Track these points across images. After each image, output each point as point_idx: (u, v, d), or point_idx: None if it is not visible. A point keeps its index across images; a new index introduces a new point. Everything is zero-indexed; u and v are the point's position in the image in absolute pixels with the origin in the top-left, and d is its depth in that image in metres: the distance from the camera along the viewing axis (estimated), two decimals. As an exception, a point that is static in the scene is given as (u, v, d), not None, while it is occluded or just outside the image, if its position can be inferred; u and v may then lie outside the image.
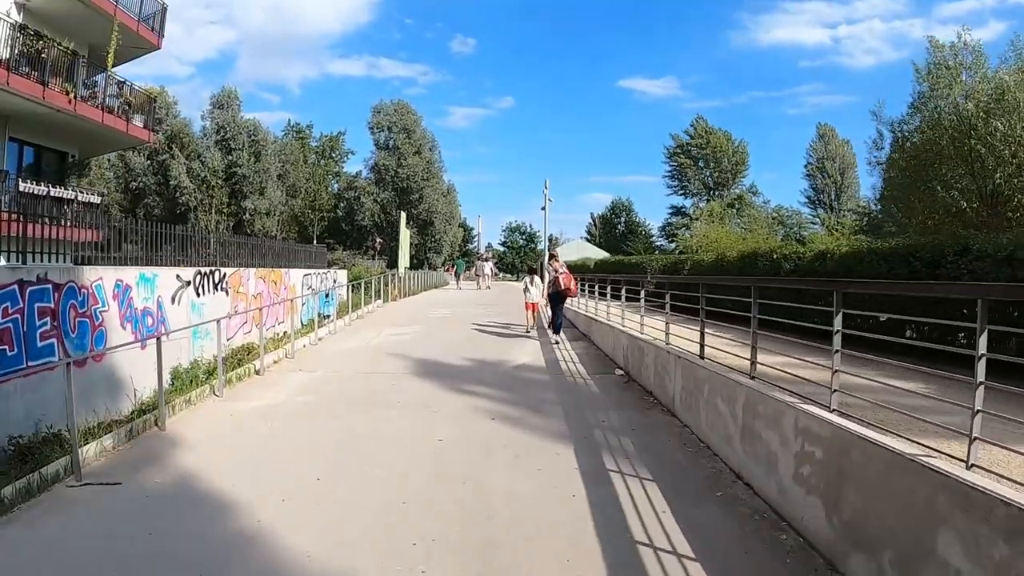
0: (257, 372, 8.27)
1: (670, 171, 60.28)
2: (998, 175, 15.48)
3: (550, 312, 12.91)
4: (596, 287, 12.58)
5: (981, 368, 2.71)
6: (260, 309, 9.13)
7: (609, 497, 4.34)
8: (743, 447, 4.79)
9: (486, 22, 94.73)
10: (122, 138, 19.32)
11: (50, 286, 6.36)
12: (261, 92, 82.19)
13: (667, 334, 7.56)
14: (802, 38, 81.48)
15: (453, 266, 36.78)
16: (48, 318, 6.34)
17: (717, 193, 57.20)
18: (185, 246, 9.26)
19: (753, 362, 5.28)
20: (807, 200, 58.35)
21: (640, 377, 7.93)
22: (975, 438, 2.75)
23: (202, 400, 6.92)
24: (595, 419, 6.39)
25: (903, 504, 2.87)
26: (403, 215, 24.31)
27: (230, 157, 34.64)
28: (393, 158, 37.40)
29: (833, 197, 57.61)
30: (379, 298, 18.24)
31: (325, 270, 16.41)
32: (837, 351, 4.12)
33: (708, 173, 58.09)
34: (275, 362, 9.01)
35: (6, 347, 5.90)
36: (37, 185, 14.50)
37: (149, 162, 36.72)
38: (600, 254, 47.00)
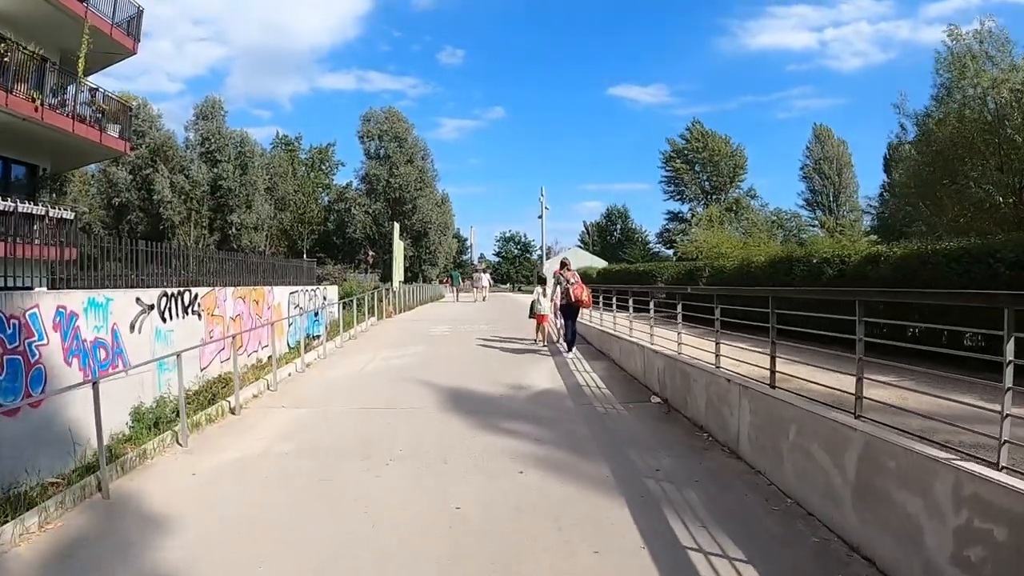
0: (232, 411, 7.00)
1: (666, 176, 59.65)
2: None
3: (560, 324, 11.89)
4: (613, 299, 11.39)
5: None
6: (233, 337, 7.85)
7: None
8: (861, 511, 3.61)
9: (474, 33, 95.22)
10: (96, 149, 18.17)
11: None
12: (253, 108, 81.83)
13: (718, 356, 6.41)
14: (789, 42, 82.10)
15: (449, 278, 35.65)
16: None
17: (715, 197, 56.47)
18: (148, 264, 7.99)
19: (859, 397, 4.12)
20: (805, 202, 57.79)
21: (685, 407, 6.74)
22: None
23: (162, 452, 5.65)
24: (645, 465, 5.21)
25: None
26: (397, 226, 23.12)
27: (215, 170, 33.36)
28: (384, 168, 36.21)
29: (831, 198, 57.09)
30: (373, 315, 16.99)
31: (314, 286, 15.15)
32: (1009, 388, 2.99)
33: (705, 177, 57.41)
34: (255, 396, 7.74)
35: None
36: (3, 200, 13.28)
37: (132, 177, 35.44)
38: (598, 262, 45.91)
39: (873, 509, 3.51)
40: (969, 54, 17.46)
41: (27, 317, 5.73)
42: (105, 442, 6.55)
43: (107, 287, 7.05)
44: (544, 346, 11.82)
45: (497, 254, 76.12)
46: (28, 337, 5.74)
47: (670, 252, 59.72)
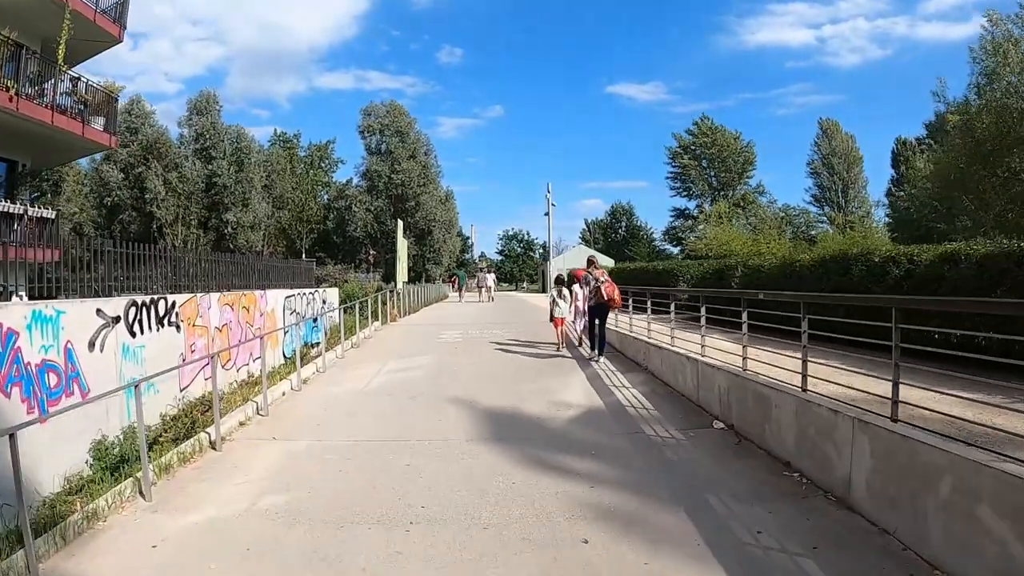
0: (213, 445, 5.78)
1: (673, 172, 58.34)
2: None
3: (580, 327, 11.33)
4: (647, 302, 10.16)
5: None
6: (212, 356, 6.56)
7: None
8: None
9: (473, 32, 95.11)
10: (78, 142, 17.00)
11: None
12: (251, 108, 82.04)
13: (805, 376, 5.21)
14: (787, 39, 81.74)
15: (455, 277, 34.52)
16: None
17: (722, 194, 55.19)
18: (117, 268, 6.75)
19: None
20: (812, 198, 56.56)
21: (762, 437, 5.54)
22: None
23: (118, 510, 4.43)
24: (737, 520, 4.05)
25: None
26: (400, 224, 21.87)
27: (210, 167, 32.09)
28: (386, 163, 34.86)
29: (840, 194, 55.86)
30: (376, 319, 15.78)
31: (312, 289, 13.91)
32: None
33: (713, 173, 56.12)
34: (241, 424, 6.52)
35: None
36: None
37: (125, 175, 34.18)
38: (603, 260, 44.64)
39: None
40: (1010, 39, 16.24)
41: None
42: (57, 488, 5.37)
43: (60, 297, 5.83)
44: (564, 349, 11.00)
45: (500, 252, 74.96)
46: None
47: (676, 250, 58.63)
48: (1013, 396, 4.30)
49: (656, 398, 7.59)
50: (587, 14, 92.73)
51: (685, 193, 58.35)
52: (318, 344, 10.84)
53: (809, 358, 5.26)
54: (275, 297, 11.25)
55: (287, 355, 10.76)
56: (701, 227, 47.99)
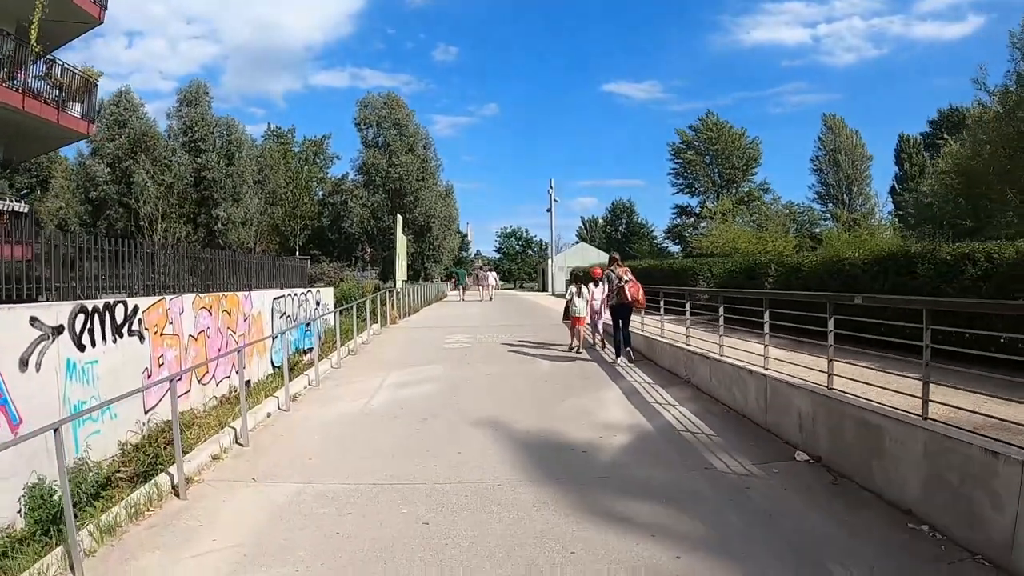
0: (175, 490, 4.56)
1: (675, 169, 57.30)
2: None
3: (600, 326, 10.82)
4: (712, 307, 8.98)
5: None
6: (173, 380, 5.29)
7: None
8: None
9: (468, 30, 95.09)
10: (54, 130, 15.82)
11: None
12: (247, 106, 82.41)
13: (926, 402, 4.07)
14: (783, 38, 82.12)
15: (455, 277, 33.43)
16: None
17: (726, 191, 54.18)
18: (64, 267, 5.50)
19: None
20: (816, 195, 55.69)
21: (870, 477, 4.42)
22: None
23: (32, 597, 3.22)
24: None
25: None
26: (400, 219, 20.60)
27: (199, 160, 30.67)
28: (383, 156, 33.43)
29: (844, 191, 55.04)
30: (375, 321, 14.55)
31: (304, 290, 12.64)
32: None
33: (716, 170, 55.09)
34: (215, 459, 5.29)
35: None
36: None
37: (111, 169, 32.73)
38: (606, 258, 43.39)
39: None
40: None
41: None
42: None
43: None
44: (581, 350, 10.43)
45: (498, 250, 73.75)
46: None
47: (678, 248, 57.59)
48: None
49: (712, 419, 6.42)
50: (582, 12, 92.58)
51: (688, 190, 57.41)
52: (311, 350, 9.61)
53: (932, 378, 4.12)
54: (262, 299, 9.98)
55: (276, 364, 9.53)
56: (704, 224, 47.04)
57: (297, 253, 33.75)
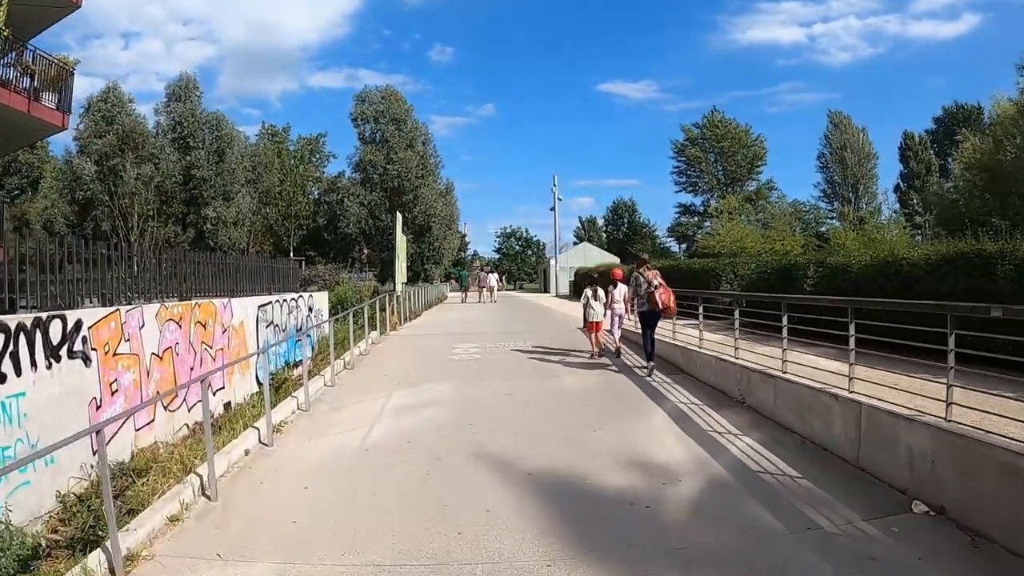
0: (112, 573, 3.37)
1: (678, 167, 56.24)
2: None
3: (617, 333, 10.09)
4: (735, 311, 7.80)
5: None
6: (93, 432, 3.99)
7: None
8: None
9: (465, 31, 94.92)
10: (25, 122, 14.72)
11: None
12: (243, 107, 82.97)
13: None
14: (778, 37, 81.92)
15: (456, 278, 32.36)
16: None
17: (730, 189, 53.12)
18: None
19: None
20: (822, 194, 54.75)
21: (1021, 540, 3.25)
22: None
23: None
24: None
25: None
26: (399, 216, 19.39)
27: (188, 157, 29.39)
28: (381, 153, 32.13)
29: (851, 189, 54.15)
30: (374, 328, 13.35)
31: (296, 295, 11.40)
32: None
33: (721, 168, 54.03)
34: (172, 521, 4.09)
35: None
36: None
37: (99, 168, 31.44)
38: (609, 258, 42.30)
39: None
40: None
41: None
42: None
43: None
44: (602, 356, 9.86)
45: (498, 251, 72.48)
46: None
47: (681, 247, 56.46)
48: None
49: (785, 453, 5.26)
50: (579, 12, 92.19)
51: (691, 188, 56.37)
52: (302, 362, 8.41)
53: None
54: (245, 307, 8.75)
55: (260, 381, 8.32)
56: (708, 224, 45.96)
57: (292, 254, 32.49)
